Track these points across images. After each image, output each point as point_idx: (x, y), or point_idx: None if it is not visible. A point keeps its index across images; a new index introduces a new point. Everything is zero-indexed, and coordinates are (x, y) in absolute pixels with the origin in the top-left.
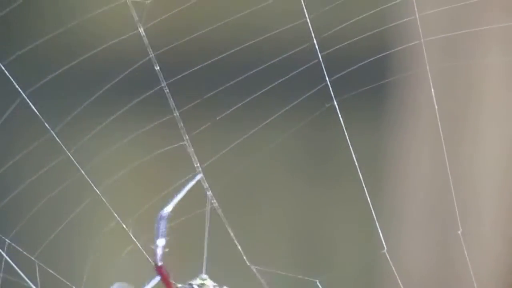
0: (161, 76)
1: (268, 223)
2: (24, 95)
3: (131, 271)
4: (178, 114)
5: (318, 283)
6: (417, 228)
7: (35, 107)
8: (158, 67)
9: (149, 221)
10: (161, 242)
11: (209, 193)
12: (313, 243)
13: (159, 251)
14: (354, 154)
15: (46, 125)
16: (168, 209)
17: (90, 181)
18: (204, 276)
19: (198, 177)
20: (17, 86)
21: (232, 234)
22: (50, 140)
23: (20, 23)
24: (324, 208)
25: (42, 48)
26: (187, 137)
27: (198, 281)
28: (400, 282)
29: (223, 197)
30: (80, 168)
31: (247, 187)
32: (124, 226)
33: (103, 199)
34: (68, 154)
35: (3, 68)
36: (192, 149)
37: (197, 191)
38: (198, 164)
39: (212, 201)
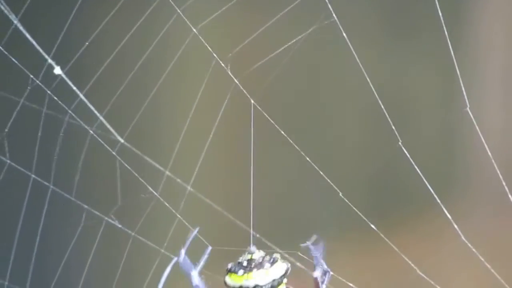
0: None
1: (346, 81)
2: None
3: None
4: None
5: (400, 144)
6: (499, 86)
7: None
8: None
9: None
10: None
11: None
12: (394, 101)
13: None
14: (440, 10)
15: None
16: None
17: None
18: (252, 249)
19: (196, 232)
20: None
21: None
22: None
23: None
24: (406, 65)
25: None
26: None
27: (246, 256)
28: (482, 139)
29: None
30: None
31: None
32: (223, 64)
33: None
34: None
35: None
36: None
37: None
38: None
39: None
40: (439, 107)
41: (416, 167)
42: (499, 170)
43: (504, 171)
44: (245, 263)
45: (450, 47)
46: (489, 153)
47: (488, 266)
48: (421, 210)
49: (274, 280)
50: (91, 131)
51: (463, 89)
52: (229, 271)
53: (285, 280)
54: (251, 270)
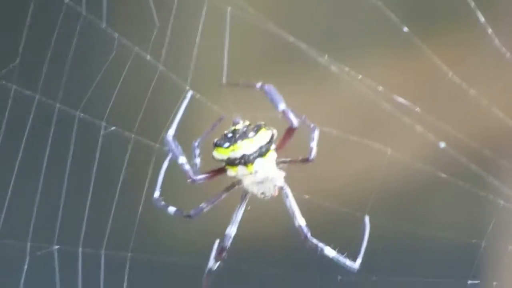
0: None
1: None
2: None
3: None
4: None
5: None
6: None
7: None
8: None
9: None
10: (182, 159)
11: None
12: None
13: (187, 168)
14: None
15: None
16: (171, 132)
17: None
18: (236, 120)
19: (189, 94)
20: None
21: None
22: None
23: None
24: None
25: None
26: None
27: (230, 128)
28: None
29: None
30: None
31: None
32: None
33: None
34: None
35: None
36: None
37: None
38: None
39: None
40: None
41: None
42: None
43: None
44: (230, 135)
45: None
46: None
47: None
48: (456, 16)
49: (261, 147)
50: None
51: None
52: (215, 145)
53: (272, 147)
54: (236, 141)
